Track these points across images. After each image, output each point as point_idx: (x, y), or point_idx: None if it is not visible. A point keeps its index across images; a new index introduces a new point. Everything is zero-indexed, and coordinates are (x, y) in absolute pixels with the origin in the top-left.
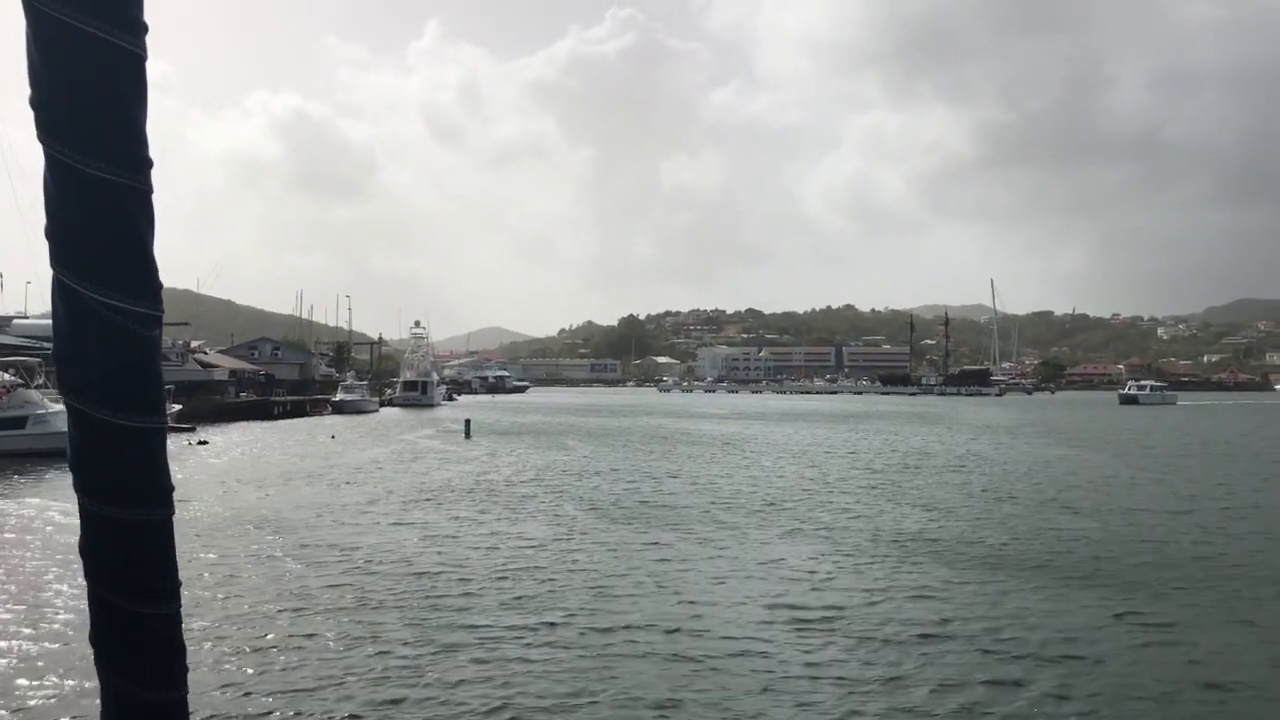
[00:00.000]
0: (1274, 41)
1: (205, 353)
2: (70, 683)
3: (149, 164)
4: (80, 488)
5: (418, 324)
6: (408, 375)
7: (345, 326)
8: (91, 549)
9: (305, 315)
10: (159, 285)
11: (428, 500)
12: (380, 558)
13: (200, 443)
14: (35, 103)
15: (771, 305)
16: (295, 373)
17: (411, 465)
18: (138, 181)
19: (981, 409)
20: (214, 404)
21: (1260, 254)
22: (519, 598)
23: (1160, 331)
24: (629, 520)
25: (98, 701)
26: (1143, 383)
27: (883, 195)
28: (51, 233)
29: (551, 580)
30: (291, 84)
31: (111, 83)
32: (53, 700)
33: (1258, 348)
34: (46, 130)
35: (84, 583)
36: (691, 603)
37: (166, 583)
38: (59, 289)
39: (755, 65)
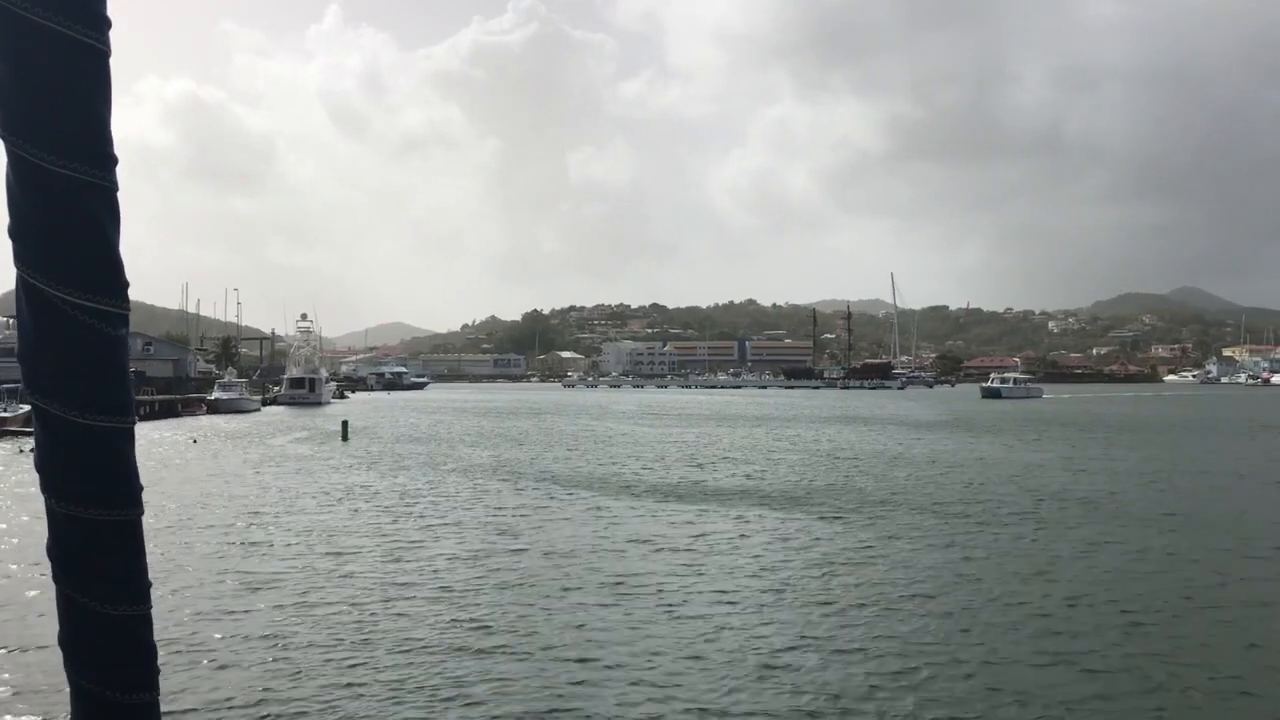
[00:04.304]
0: (1175, 42)
1: None
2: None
3: (114, 160)
4: (48, 489)
5: (304, 317)
6: (294, 371)
7: (236, 321)
8: (60, 551)
9: (193, 310)
10: (125, 283)
11: (244, 544)
12: None
13: (32, 450)
14: None
15: (676, 300)
16: (169, 370)
17: (261, 478)
18: (102, 179)
19: (895, 402)
20: None
21: (1143, 249)
22: None
23: (1051, 325)
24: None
25: (67, 704)
26: (1006, 375)
27: (788, 189)
28: (15, 231)
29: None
30: (185, 70)
31: (75, 79)
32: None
33: (1144, 340)
34: (8, 127)
35: (52, 584)
36: None
37: (137, 583)
38: (23, 288)
39: (665, 57)
